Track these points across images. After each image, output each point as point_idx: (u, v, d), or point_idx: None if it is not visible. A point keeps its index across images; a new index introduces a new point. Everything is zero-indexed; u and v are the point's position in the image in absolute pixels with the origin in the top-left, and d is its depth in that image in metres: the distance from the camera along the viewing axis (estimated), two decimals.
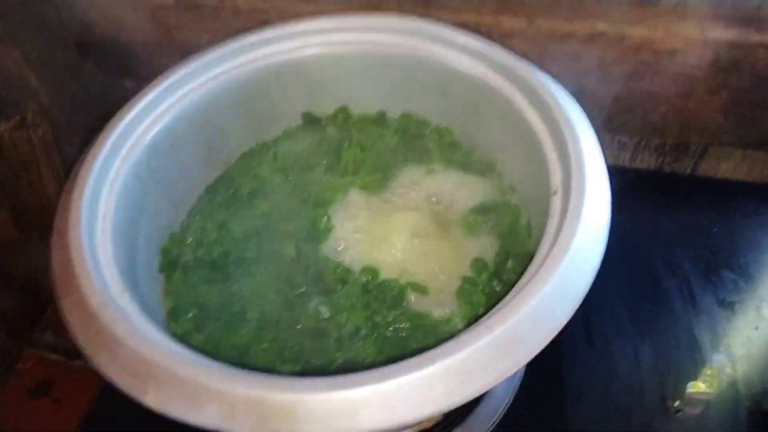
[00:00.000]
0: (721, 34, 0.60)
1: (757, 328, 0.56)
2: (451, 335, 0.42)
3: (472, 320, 0.45)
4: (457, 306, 0.46)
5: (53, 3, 0.75)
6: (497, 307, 0.35)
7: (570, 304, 0.34)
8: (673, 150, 0.76)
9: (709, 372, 0.55)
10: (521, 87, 0.47)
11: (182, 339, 0.47)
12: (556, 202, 0.39)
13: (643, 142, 0.77)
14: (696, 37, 0.60)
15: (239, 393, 0.31)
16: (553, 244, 0.36)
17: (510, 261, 0.48)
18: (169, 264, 0.51)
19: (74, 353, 0.77)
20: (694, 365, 0.55)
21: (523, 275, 0.36)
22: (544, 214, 0.43)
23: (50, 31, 0.76)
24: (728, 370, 0.54)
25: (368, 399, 0.31)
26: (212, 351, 0.46)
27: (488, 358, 0.31)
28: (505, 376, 0.31)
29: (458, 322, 0.45)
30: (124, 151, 0.46)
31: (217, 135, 0.54)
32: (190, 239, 0.52)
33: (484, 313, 0.43)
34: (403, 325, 0.45)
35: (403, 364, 0.31)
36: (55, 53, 0.77)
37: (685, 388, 0.54)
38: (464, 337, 0.32)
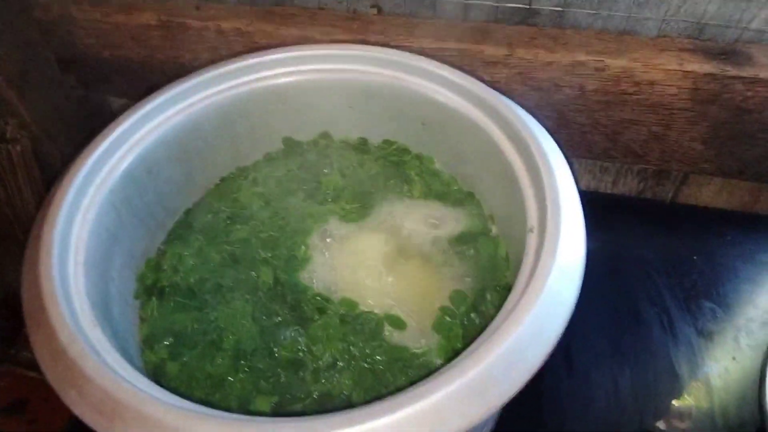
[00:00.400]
0: (699, 66, 0.61)
1: (734, 358, 0.57)
2: (429, 369, 0.43)
3: (450, 354, 0.45)
4: (434, 338, 0.46)
5: (34, 19, 0.75)
6: (470, 347, 0.34)
7: (544, 347, 0.34)
8: (655, 175, 0.77)
9: (687, 403, 0.55)
10: (499, 121, 0.47)
11: (157, 368, 0.46)
12: (532, 240, 0.40)
13: (625, 167, 0.78)
14: (674, 68, 0.61)
15: None
16: (527, 284, 0.36)
17: (488, 293, 0.48)
18: (145, 291, 0.50)
19: None
20: (673, 396, 0.55)
21: (498, 313, 0.36)
22: (522, 249, 0.43)
23: (31, 48, 0.75)
24: (706, 401, 0.55)
25: None
26: (187, 381, 0.45)
27: (461, 402, 0.31)
28: (477, 421, 0.31)
29: (435, 356, 0.45)
30: (98, 179, 0.45)
31: (196, 160, 0.54)
32: (167, 265, 0.51)
33: (463, 347, 0.43)
34: (380, 357, 0.45)
35: (374, 407, 0.31)
36: (37, 69, 0.77)
37: (664, 418, 0.54)
38: (437, 380, 0.32)
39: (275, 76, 0.54)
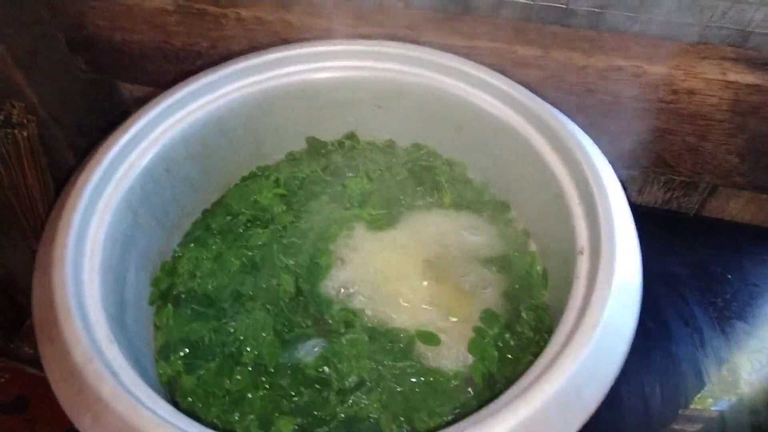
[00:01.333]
0: (743, 77, 0.58)
1: None
2: (463, 394, 0.40)
3: (486, 376, 0.42)
4: (468, 360, 0.43)
5: None
6: (520, 382, 0.32)
7: (601, 385, 0.31)
8: (682, 186, 0.74)
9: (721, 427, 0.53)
10: (545, 132, 0.44)
11: (172, 381, 0.44)
12: (583, 263, 0.37)
13: (652, 176, 0.75)
14: (717, 78, 0.58)
15: None
16: (581, 314, 0.33)
17: (523, 312, 0.45)
18: (161, 296, 0.47)
19: None
20: (705, 418, 0.53)
21: (547, 346, 0.34)
22: (564, 266, 0.41)
23: (40, 27, 0.72)
24: (739, 425, 0.52)
25: None
26: (203, 396, 0.43)
27: None
28: None
29: (470, 380, 0.42)
30: (116, 177, 0.43)
31: (216, 159, 0.51)
32: (183, 269, 0.49)
33: (498, 370, 0.41)
34: (411, 379, 0.42)
35: None
36: (45, 50, 0.73)
37: None
38: (486, 421, 0.29)
39: (303, 71, 0.51)
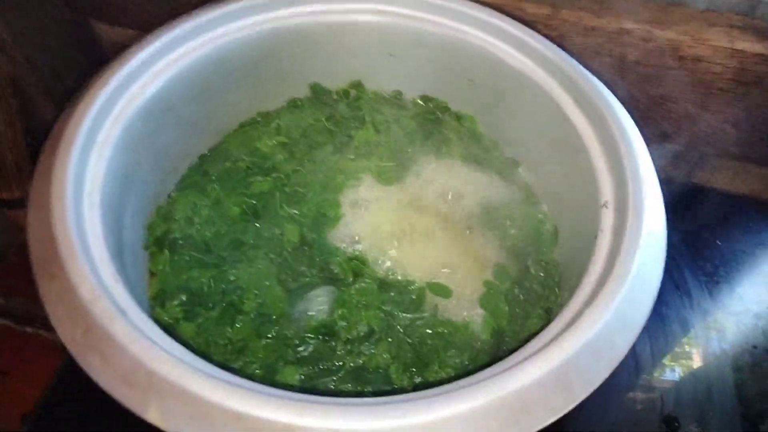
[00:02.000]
0: (750, 46, 0.58)
1: (755, 347, 0.56)
2: (474, 347, 0.40)
3: (496, 330, 0.42)
4: (479, 313, 0.42)
5: None
6: (547, 331, 0.31)
7: (630, 334, 0.31)
8: (672, 155, 0.75)
9: (706, 385, 0.54)
10: (568, 86, 0.43)
11: (169, 327, 0.42)
12: (607, 216, 0.36)
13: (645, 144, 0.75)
14: (724, 45, 0.58)
15: (264, 417, 0.27)
16: (610, 266, 0.33)
17: (532, 268, 0.45)
18: (156, 242, 0.45)
19: (26, 319, 0.70)
20: (693, 379, 0.54)
21: (572, 298, 0.33)
22: (579, 222, 0.40)
23: None
24: (726, 386, 0.54)
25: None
26: (204, 344, 0.41)
27: (546, 391, 0.28)
28: (561, 413, 0.28)
29: (481, 332, 0.42)
30: (116, 110, 0.40)
31: (217, 101, 0.48)
32: (180, 215, 0.46)
33: (508, 324, 0.40)
34: (421, 330, 0.41)
35: (453, 392, 0.28)
36: None
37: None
38: (522, 366, 0.28)
39: (312, 13, 0.48)
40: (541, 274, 0.44)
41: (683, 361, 0.56)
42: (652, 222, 0.34)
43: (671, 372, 0.55)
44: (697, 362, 0.56)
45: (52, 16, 0.74)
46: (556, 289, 0.43)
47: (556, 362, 0.29)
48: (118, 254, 0.37)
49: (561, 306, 0.33)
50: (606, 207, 0.37)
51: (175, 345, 0.30)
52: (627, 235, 0.33)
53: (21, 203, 0.74)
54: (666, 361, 0.55)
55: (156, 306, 0.43)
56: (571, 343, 0.29)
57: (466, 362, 0.40)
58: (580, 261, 0.37)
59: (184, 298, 0.43)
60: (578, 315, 0.31)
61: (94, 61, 0.82)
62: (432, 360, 0.40)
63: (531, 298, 0.43)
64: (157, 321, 0.42)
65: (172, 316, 0.42)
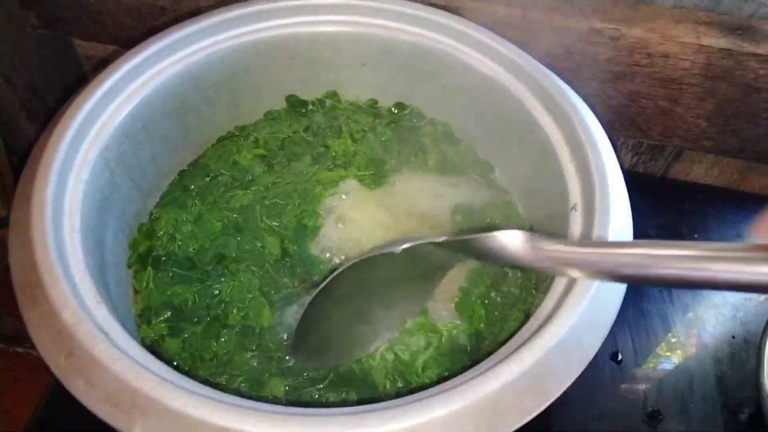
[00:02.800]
0: (716, 41, 0.59)
1: (733, 336, 0.57)
2: (453, 351, 0.41)
3: (474, 334, 0.43)
4: (457, 318, 0.43)
5: None
6: (519, 335, 0.32)
7: (600, 333, 0.32)
8: (649, 150, 0.76)
9: (687, 378, 0.55)
10: (535, 90, 0.44)
11: (155, 344, 0.42)
12: (576, 218, 0.37)
13: (621, 140, 0.76)
14: (691, 41, 0.60)
15: (247, 431, 0.27)
16: None
17: (509, 271, 0.46)
18: (139, 259, 0.45)
19: (15, 339, 0.70)
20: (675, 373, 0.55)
21: (545, 299, 0.34)
22: (552, 223, 0.41)
23: None
24: (706, 378, 0.55)
25: None
26: (190, 359, 0.42)
27: (519, 394, 0.29)
28: (534, 414, 0.29)
29: (460, 337, 0.43)
30: (92, 133, 0.40)
31: (192, 117, 0.49)
32: (162, 231, 0.47)
33: (486, 327, 0.41)
34: (402, 336, 0.42)
35: (428, 399, 0.29)
36: None
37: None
38: (492, 370, 0.29)
39: (284, 26, 0.49)
40: (519, 277, 0.45)
41: (665, 355, 0.57)
42: (618, 224, 0.36)
43: (653, 366, 0.56)
44: (678, 355, 0.58)
45: (28, 34, 0.74)
46: (533, 291, 0.44)
47: (527, 364, 0.30)
48: (100, 275, 0.38)
49: (537, 307, 0.34)
50: (575, 210, 0.38)
51: (159, 363, 0.31)
52: (594, 237, 0.34)
53: (5, 223, 0.74)
54: (648, 355, 0.57)
55: (142, 323, 0.43)
56: (541, 344, 0.30)
57: (447, 365, 0.41)
58: None
59: (168, 314, 0.43)
60: (549, 317, 0.32)
61: (72, 76, 0.82)
62: (413, 365, 0.41)
63: (509, 301, 0.44)
64: (144, 338, 0.43)
65: (158, 333, 0.43)
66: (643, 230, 0.66)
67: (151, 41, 0.44)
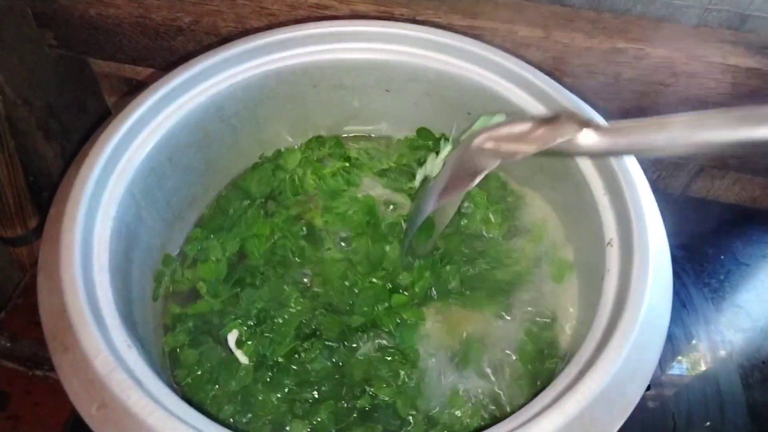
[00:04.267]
0: (743, 61, 0.58)
1: (764, 362, 0.56)
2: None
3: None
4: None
5: None
6: (559, 380, 0.31)
7: (642, 380, 0.31)
8: (670, 166, 0.75)
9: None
10: None
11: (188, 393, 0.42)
12: (612, 255, 0.37)
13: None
14: (717, 61, 0.59)
15: None
16: (619, 311, 0.33)
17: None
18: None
19: (34, 362, 0.70)
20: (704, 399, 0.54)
21: (583, 343, 0.33)
22: (588, 260, 0.40)
23: (4, 0, 0.67)
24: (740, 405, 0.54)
25: None
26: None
27: None
28: None
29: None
30: (118, 169, 0.40)
31: (217, 145, 0.49)
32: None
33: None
34: None
35: None
36: (11, 24, 0.68)
37: None
38: (536, 419, 0.29)
39: (308, 54, 0.48)
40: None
41: (695, 381, 0.56)
42: (657, 261, 0.35)
43: (683, 393, 0.55)
44: (708, 381, 0.56)
45: (45, 54, 0.74)
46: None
47: (571, 415, 0.29)
48: (128, 312, 0.37)
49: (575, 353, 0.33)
50: (611, 245, 0.37)
51: (193, 413, 0.30)
52: (634, 277, 0.34)
53: (24, 240, 0.74)
54: (677, 381, 0.56)
55: (175, 368, 0.43)
56: (584, 394, 0.29)
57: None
58: (590, 300, 0.37)
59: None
60: (589, 363, 0.31)
61: (89, 95, 0.82)
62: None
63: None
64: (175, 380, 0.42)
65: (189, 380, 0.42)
66: (675, 254, 0.66)
67: (174, 74, 0.43)
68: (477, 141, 0.32)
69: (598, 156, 0.29)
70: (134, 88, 0.81)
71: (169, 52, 0.72)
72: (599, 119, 0.34)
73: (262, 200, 0.49)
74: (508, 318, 0.43)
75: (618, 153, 0.28)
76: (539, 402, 0.31)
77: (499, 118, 0.38)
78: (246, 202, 0.49)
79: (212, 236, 0.47)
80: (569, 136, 0.29)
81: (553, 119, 0.30)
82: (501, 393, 0.39)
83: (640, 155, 0.31)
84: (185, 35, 0.69)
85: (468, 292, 0.44)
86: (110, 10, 0.68)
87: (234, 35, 0.66)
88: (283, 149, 0.53)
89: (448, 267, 0.44)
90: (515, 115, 0.45)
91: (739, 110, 0.24)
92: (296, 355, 0.41)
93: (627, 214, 0.36)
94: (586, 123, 0.28)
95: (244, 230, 0.46)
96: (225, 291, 0.44)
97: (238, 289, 0.44)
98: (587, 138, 0.28)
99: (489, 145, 0.32)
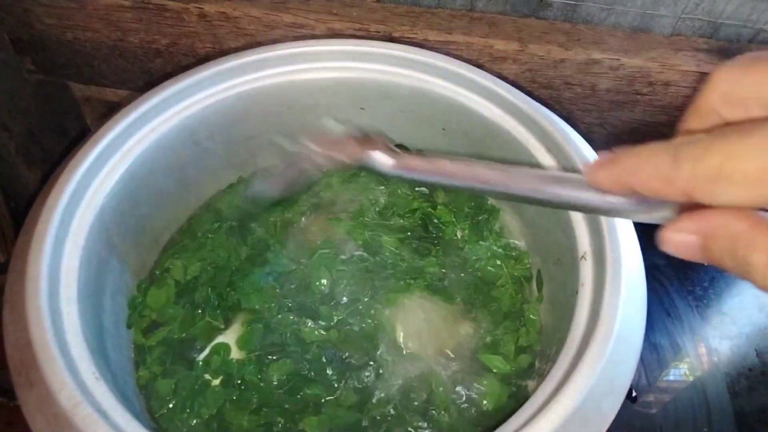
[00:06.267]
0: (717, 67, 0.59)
1: (750, 369, 0.56)
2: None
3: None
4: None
5: None
6: (536, 399, 0.31)
7: (618, 396, 0.31)
8: None
9: None
10: (539, 134, 0.43)
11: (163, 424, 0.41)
12: (587, 268, 0.36)
13: None
14: (692, 69, 0.59)
15: None
16: (592, 325, 0.32)
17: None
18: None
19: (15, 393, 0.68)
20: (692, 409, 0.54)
21: (558, 357, 0.33)
22: (562, 274, 0.40)
23: None
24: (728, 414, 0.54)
25: None
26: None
27: None
28: None
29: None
30: (87, 196, 0.39)
31: (190, 168, 0.48)
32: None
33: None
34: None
35: None
36: None
37: None
38: None
39: (281, 74, 0.48)
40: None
41: (681, 390, 0.56)
42: (631, 274, 0.34)
43: (670, 402, 0.55)
44: (694, 390, 0.56)
45: (24, 80, 0.74)
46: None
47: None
48: (99, 343, 0.37)
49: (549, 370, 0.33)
50: (585, 259, 0.37)
51: None
52: (607, 291, 0.33)
53: (5, 268, 0.73)
54: (663, 390, 0.55)
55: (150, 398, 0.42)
56: (557, 413, 0.29)
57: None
58: (563, 315, 0.37)
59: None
60: (564, 381, 0.31)
61: (70, 119, 0.82)
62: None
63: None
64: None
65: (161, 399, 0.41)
66: (651, 259, 0.65)
67: (144, 98, 0.43)
68: (306, 141, 0.37)
69: (394, 176, 0.31)
70: (112, 111, 0.80)
71: (147, 74, 0.72)
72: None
73: (233, 223, 0.48)
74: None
75: (409, 176, 0.30)
76: (515, 421, 0.30)
77: (333, 125, 0.40)
78: (216, 225, 0.49)
79: (176, 256, 0.46)
80: (369, 151, 0.32)
81: (368, 137, 0.33)
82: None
83: (428, 181, 0.33)
84: (163, 57, 0.69)
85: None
86: (87, 34, 0.68)
87: (212, 56, 0.66)
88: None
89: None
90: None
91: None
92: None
93: (599, 227, 0.36)
94: (385, 146, 0.31)
95: (208, 252, 0.46)
96: (178, 312, 0.44)
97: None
98: (382, 158, 0.31)
99: (313, 146, 0.36)
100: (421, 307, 0.43)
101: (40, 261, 0.34)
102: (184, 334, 0.43)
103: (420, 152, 0.38)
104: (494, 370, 0.41)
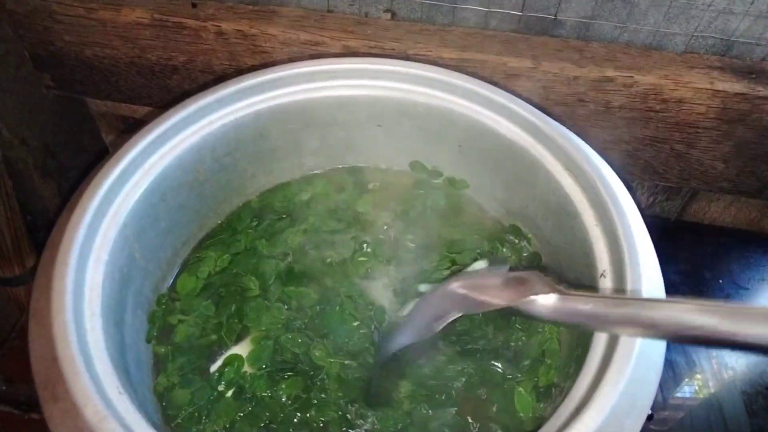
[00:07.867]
0: (730, 86, 0.59)
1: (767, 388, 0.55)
2: None
3: None
4: None
5: (7, 11, 0.67)
6: (557, 419, 0.31)
7: (639, 416, 0.31)
8: (665, 190, 0.75)
9: None
10: (557, 152, 0.43)
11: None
12: (606, 286, 0.36)
13: (637, 182, 0.76)
14: (705, 87, 0.59)
15: None
16: (613, 344, 0.32)
17: None
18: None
19: (29, 405, 0.69)
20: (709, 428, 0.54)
21: (578, 377, 0.33)
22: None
23: (3, 43, 0.68)
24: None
25: None
26: None
27: None
28: None
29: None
30: (110, 212, 0.40)
31: (210, 184, 0.49)
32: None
33: None
34: None
35: None
36: (8, 66, 0.69)
37: None
38: None
39: (300, 92, 0.49)
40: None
41: (698, 408, 0.55)
42: (650, 291, 0.35)
43: (687, 420, 0.54)
44: (711, 408, 0.55)
45: (42, 96, 0.75)
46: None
47: None
48: (120, 357, 0.37)
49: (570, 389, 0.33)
50: (604, 276, 0.37)
51: None
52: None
53: (22, 280, 0.74)
54: (680, 408, 0.55)
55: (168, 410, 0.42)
56: (582, 431, 0.29)
57: None
58: (582, 332, 0.37)
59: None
60: (585, 400, 0.31)
61: (86, 134, 0.83)
62: None
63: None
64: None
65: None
66: (666, 276, 0.65)
67: (167, 115, 0.44)
68: (452, 285, 0.33)
69: (556, 323, 0.29)
70: (131, 126, 0.81)
71: (165, 90, 0.73)
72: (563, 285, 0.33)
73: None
74: None
75: (572, 323, 0.28)
76: None
77: (481, 264, 0.39)
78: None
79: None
80: (533, 296, 0.29)
81: (523, 279, 0.30)
82: None
83: (594, 329, 0.31)
84: (180, 74, 0.70)
85: None
86: (106, 51, 0.69)
87: (228, 72, 0.67)
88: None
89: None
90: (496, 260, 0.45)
91: (709, 303, 0.23)
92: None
93: (619, 245, 0.36)
94: (552, 287, 0.29)
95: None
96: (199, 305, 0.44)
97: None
98: (548, 300, 0.28)
99: (461, 291, 0.33)
100: None
101: (66, 276, 0.35)
102: (203, 334, 0.43)
103: (589, 289, 0.34)
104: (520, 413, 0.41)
